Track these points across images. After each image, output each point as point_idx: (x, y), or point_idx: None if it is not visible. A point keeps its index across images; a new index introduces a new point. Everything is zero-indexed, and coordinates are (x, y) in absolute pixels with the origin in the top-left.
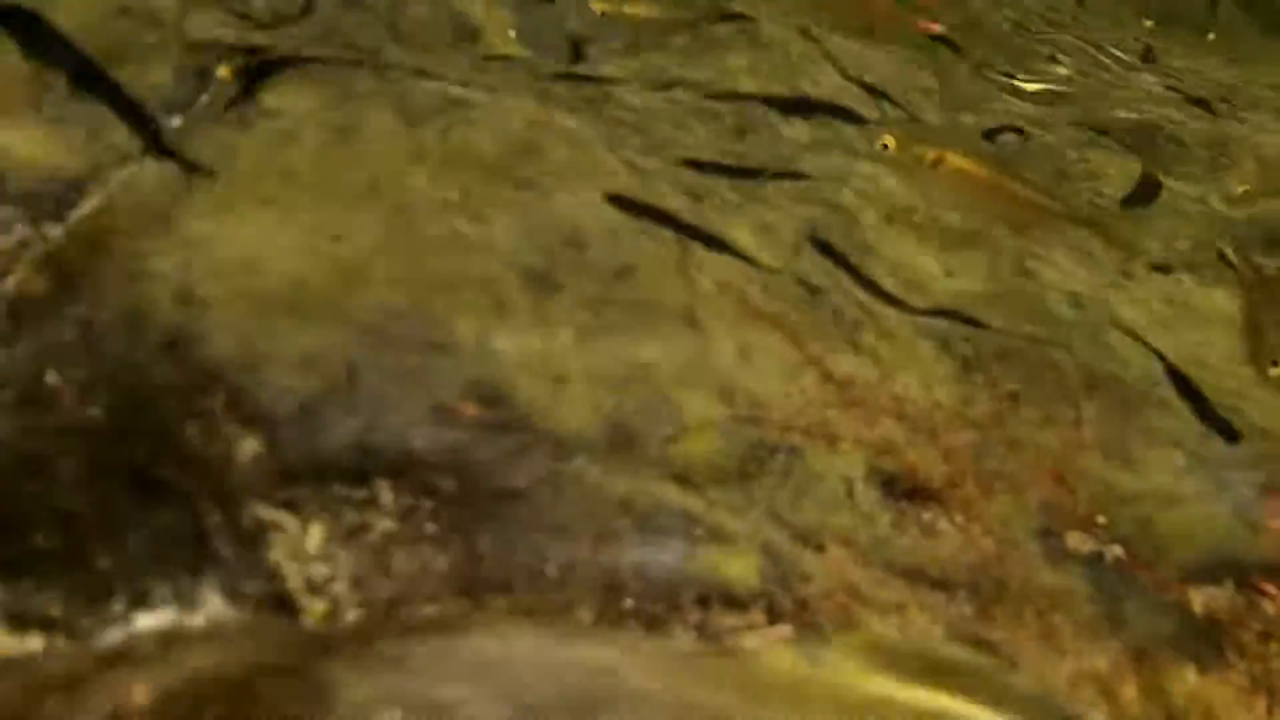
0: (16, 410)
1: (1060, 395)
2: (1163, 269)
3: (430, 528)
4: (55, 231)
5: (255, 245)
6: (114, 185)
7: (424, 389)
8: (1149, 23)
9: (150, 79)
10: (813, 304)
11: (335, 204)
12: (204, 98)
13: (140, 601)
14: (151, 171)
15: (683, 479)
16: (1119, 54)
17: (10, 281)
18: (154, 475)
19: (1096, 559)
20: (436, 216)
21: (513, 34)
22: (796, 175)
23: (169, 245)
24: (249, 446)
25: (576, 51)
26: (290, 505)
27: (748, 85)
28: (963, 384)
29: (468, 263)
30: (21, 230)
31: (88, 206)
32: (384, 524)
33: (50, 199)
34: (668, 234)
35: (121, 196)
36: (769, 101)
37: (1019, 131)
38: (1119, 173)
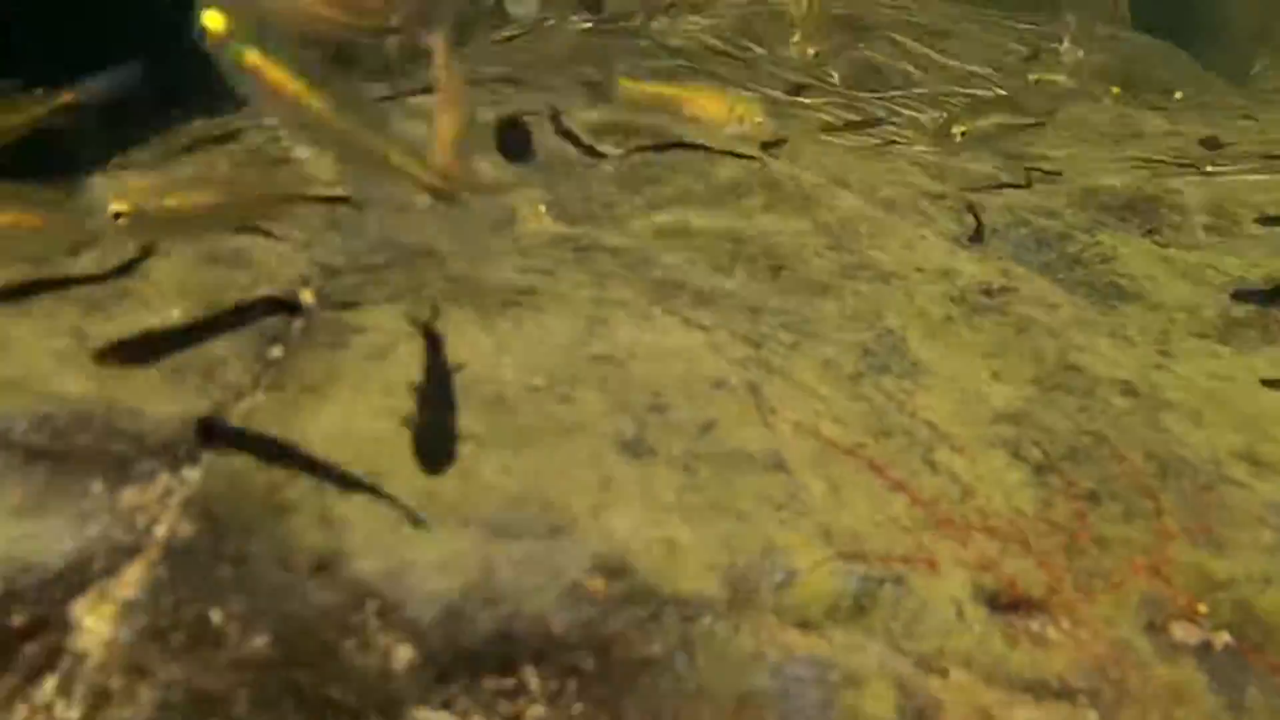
0: (187, 651)
1: (1136, 487)
2: (1200, 336)
3: (578, 708)
4: (194, 474)
5: (376, 458)
6: (237, 420)
7: (553, 572)
8: (1115, 89)
9: (250, 316)
10: (885, 429)
11: None
12: (297, 323)
13: None
14: (267, 402)
15: (804, 623)
16: (1098, 126)
17: (161, 529)
18: (320, 695)
19: (1206, 648)
20: (529, 403)
21: (543, 208)
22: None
23: (299, 471)
24: (403, 653)
25: (604, 214)
26: (448, 705)
27: (766, 222)
28: (1040, 488)
29: (567, 443)
30: (165, 479)
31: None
32: (535, 710)
33: (183, 444)
34: (739, 384)
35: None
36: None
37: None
38: (1133, 252)
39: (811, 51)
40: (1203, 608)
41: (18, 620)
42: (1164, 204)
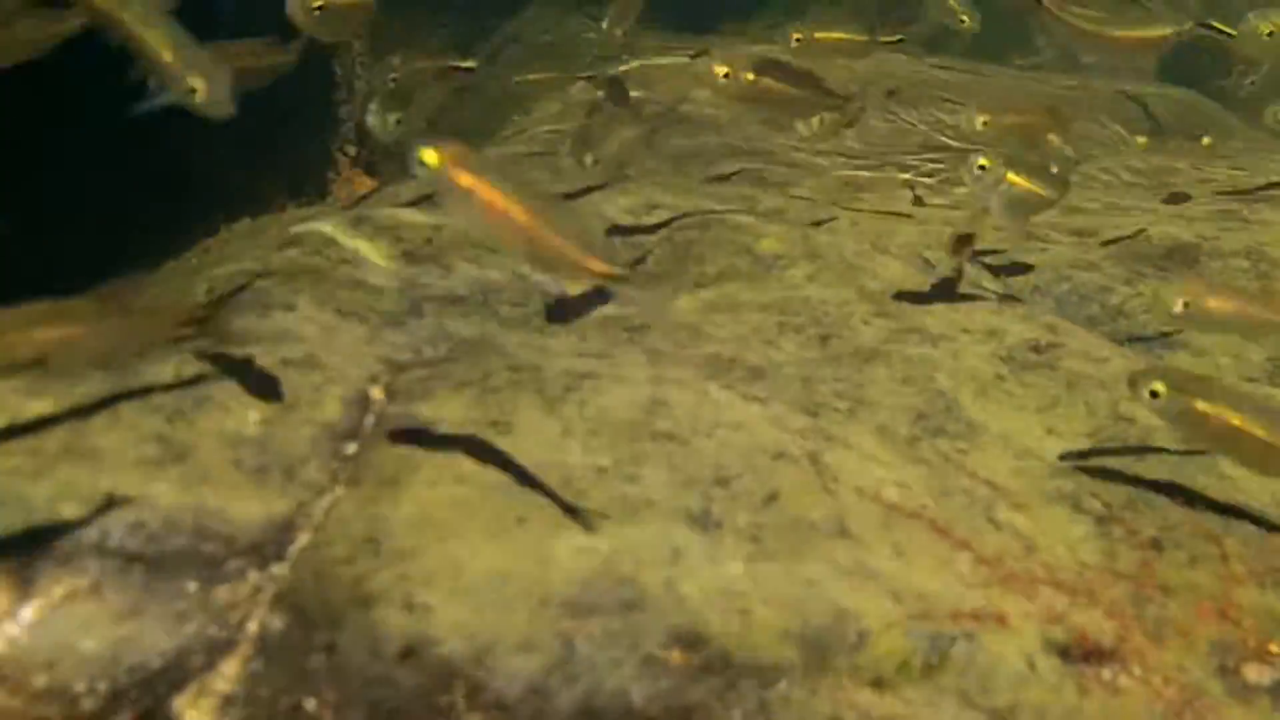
0: None
1: (1199, 533)
2: (1250, 380)
3: None
4: (281, 570)
5: (454, 547)
6: (319, 517)
7: (630, 646)
8: (1142, 140)
9: (323, 416)
10: (945, 490)
11: (510, 492)
12: (369, 419)
13: None
14: (347, 498)
15: (878, 683)
16: (1129, 177)
17: (253, 625)
18: None
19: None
20: (597, 484)
21: None
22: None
23: (381, 561)
24: None
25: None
26: None
27: (811, 292)
28: (1103, 539)
29: (635, 519)
30: (254, 576)
31: (303, 540)
32: None
33: (270, 543)
34: (799, 454)
35: (328, 525)
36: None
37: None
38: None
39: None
40: (1274, 648)
41: (125, 719)
42: (1202, 251)
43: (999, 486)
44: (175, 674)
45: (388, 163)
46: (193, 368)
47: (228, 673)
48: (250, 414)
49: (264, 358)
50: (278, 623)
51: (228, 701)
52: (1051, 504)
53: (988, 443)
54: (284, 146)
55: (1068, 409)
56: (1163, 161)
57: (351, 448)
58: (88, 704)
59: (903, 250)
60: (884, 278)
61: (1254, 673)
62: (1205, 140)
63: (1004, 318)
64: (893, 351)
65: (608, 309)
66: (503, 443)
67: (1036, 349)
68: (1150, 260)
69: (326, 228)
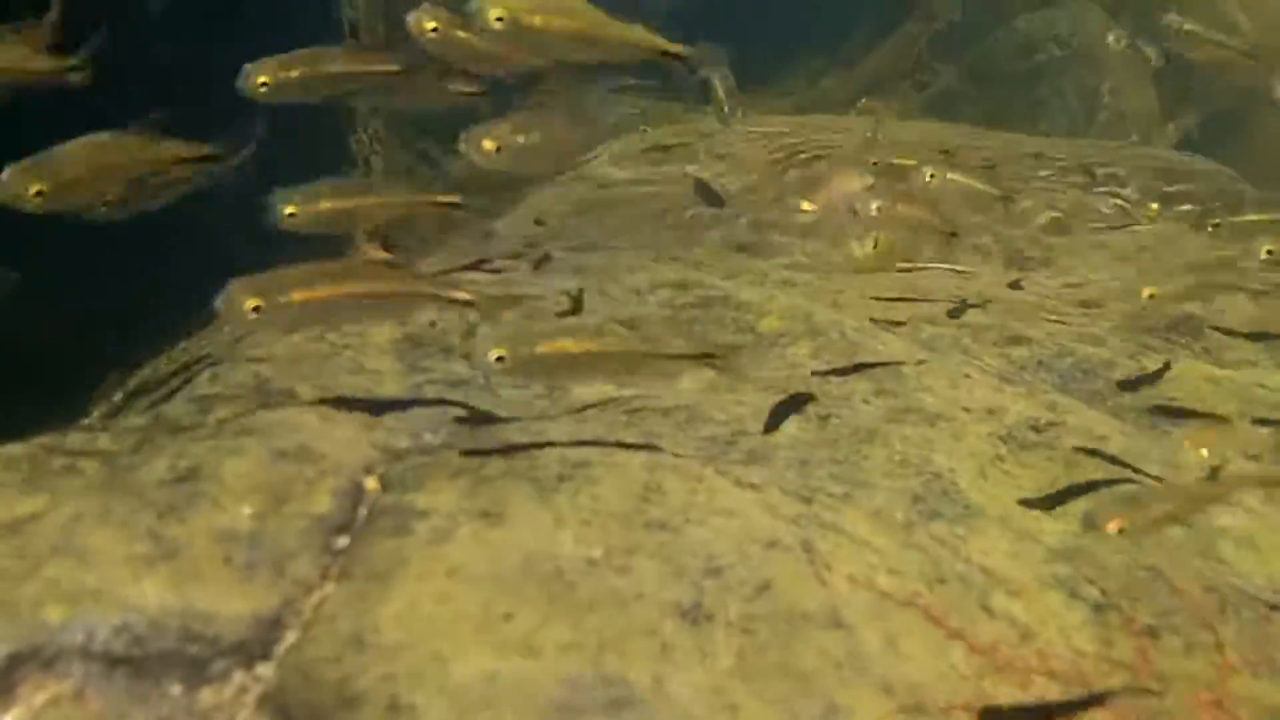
0: None
1: (1196, 620)
2: (1253, 458)
3: None
4: (267, 670)
5: (441, 644)
6: (307, 614)
7: None
8: (1155, 206)
9: (315, 509)
10: (940, 577)
11: (500, 587)
12: (362, 511)
13: None
14: (336, 594)
15: None
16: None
17: None
18: None
19: None
20: (587, 576)
21: None
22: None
23: (368, 660)
24: None
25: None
26: None
27: (816, 366)
28: (1099, 627)
29: (626, 613)
30: (239, 677)
31: (290, 639)
32: None
33: (257, 642)
34: (792, 542)
35: (316, 624)
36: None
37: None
38: (1179, 373)
39: None
40: None
41: None
42: (1208, 323)
43: (995, 573)
44: None
45: (405, 237)
46: (186, 462)
47: None
48: (243, 509)
49: (259, 449)
50: None
51: None
52: (1048, 590)
53: (985, 526)
54: None
55: (1066, 490)
56: (1173, 231)
57: (343, 541)
58: None
59: (903, 328)
60: (883, 355)
61: None
62: (1214, 222)
63: (1004, 395)
64: (891, 431)
65: (610, 390)
66: (494, 534)
67: (1036, 428)
68: (1157, 333)
69: None
